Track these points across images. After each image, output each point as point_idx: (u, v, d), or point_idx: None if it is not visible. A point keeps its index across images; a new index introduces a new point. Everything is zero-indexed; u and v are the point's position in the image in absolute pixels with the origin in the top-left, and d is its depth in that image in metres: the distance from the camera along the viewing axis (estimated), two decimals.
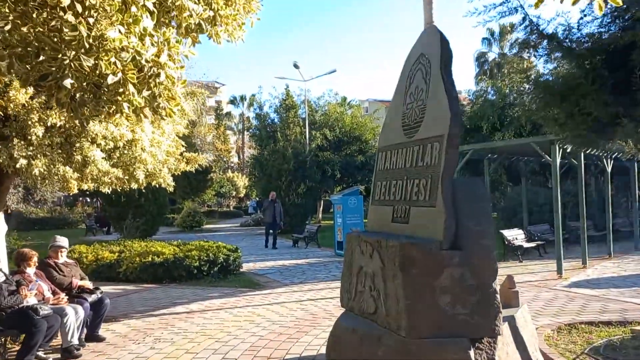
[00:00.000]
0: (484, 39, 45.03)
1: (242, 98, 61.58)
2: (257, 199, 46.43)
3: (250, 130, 36.53)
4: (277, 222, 17.83)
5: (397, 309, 4.23)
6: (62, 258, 7.04)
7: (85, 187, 7.37)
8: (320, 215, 31.85)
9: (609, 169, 13.28)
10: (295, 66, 27.47)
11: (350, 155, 29.86)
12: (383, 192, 5.29)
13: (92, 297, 6.77)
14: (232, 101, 62.43)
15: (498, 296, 4.20)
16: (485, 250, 4.22)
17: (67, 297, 6.48)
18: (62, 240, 7.08)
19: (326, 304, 8.35)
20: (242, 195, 52.94)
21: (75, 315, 6.22)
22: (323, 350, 5.78)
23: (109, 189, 7.48)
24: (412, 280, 4.14)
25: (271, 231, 18.09)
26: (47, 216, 37.14)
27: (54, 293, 6.46)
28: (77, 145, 6.35)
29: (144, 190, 12.69)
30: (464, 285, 4.15)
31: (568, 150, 10.91)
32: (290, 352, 5.77)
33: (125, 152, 6.83)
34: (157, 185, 8.10)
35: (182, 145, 8.44)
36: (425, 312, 4.11)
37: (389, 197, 5.15)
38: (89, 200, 46.33)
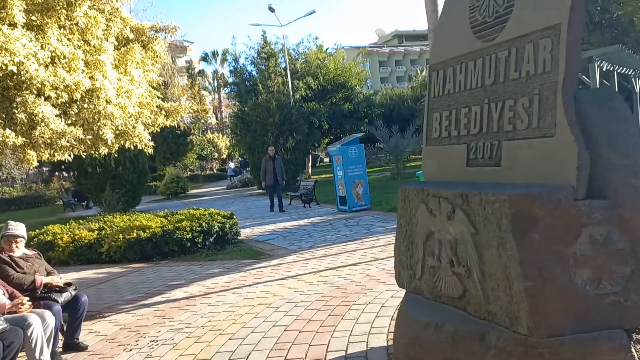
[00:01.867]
0: None
1: (214, 54, 58.75)
2: (241, 158, 44.77)
3: (228, 88, 34.53)
4: (279, 181, 15.56)
5: (508, 294, 2.82)
6: (20, 250, 5.48)
7: (46, 156, 5.81)
8: (309, 171, 30.39)
9: (638, 88, 11.94)
10: (271, 9, 25.36)
11: (337, 104, 28.23)
12: (446, 126, 3.80)
13: (63, 297, 5.27)
14: (204, 58, 59.51)
15: None
16: (638, 194, 2.80)
17: (30, 300, 4.97)
18: (17, 227, 5.50)
19: (351, 272, 6.98)
20: (224, 156, 51.10)
21: (42, 324, 4.73)
22: (373, 341, 4.42)
23: (69, 155, 5.87)
24: (534, 250, 2.71)
25: (275, 193, 16.04)
26: (21, 195, 35.14)
27: (11, 297, 4.95)
28: (19, 99, 4.71)
29: (118, 156, 11.02)
30: (611, 250, 2.74)
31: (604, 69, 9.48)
32: (331, 349, 4.39)
33: (85, 105, 5.19)
34: (133, 148, 6.53)
35: (158, 97, 6.82)
36: (557, 296, 2.71)
37: (458, 132, 3.66)
38: (65, 174, 44.19)
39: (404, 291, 3.95)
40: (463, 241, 3.15)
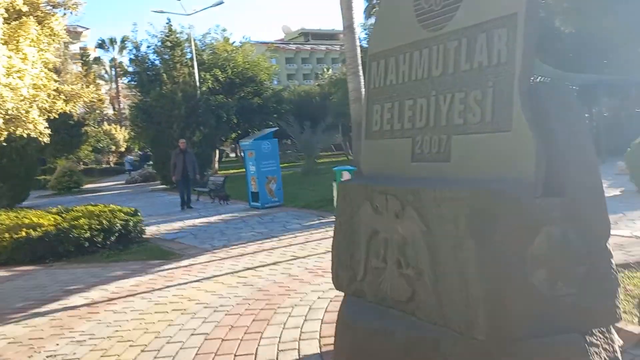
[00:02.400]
0: None
1: (112, 41, 55.37)
2: (141, 151, 42.57)
3: (127, 77, 32.61)
4: (189, 176, 14.53)
5: (464, 298, 2.65)
6: None
7: None
8: (216, 165, 29.49)
9: None
10: None
11: (246, 99, 27.62)
12: (388, 119, 3.59)
13: None
14: (101, 45, 55.83)
15: (614, 262, 2.77)
16: (595, 193, 2.74)
17: None
18: None
19: (271, 273, 6.65)
20: (123, 149, 48.33)
21: None
22: (305, 348, 4.13)
23: None
24: (493, 250, 2.56)
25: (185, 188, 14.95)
26: None
27: None
28: None
29: (5, 145, 9.81)
30: (567, 250, 2.65)
31: None
32: (260, 358, 4.05)
33: None
34: (25, 136, 5.71)
35: (54, 80, 6.01)
36: (515, 299, 2.57)
37: (402, 125, 3.46)
38: None
39: (331, 292, 3.73)
40: (413, 241, 2.95)
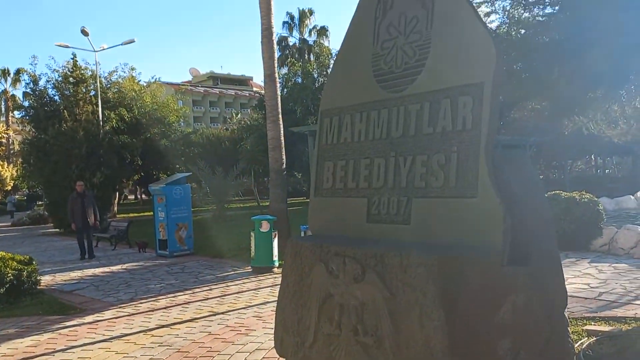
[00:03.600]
0: (284, 23, 44.69)
1: (5, 72, 51.74)
2: (28, 191, 39.38)
3: (20, 112, 30.43)
4: (88, 222, 12.96)
5: None
6: None
7: None
8: (115, 208, 27.86)
9: None
10: (84, 32, 23.19)
11: (152, 139, 26.62)
12: (342, 177, 3.50)
13: None
14: None
15: (569, 330, 2.81)
16: (554, 262, 2.80)
17: None
18: None
19: (189, 331, 6.19)
20: (8, 188, 44.39)
21: None
22: None
23: None
24: (462, 320, 2.50)
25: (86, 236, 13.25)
26: None
27: None
28: None
29: None
30: (531, 318, 2.66)
31: None
32: None
33: None
34: None
35: None
36: None
37: (356, 184, 3.39)
38: None
39: (258, 352, 3.49)
40: (374, 307, 2.82)
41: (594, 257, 9.71)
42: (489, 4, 4.83)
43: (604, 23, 3.76)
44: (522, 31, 4.52)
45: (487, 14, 5.24)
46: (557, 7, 4.52)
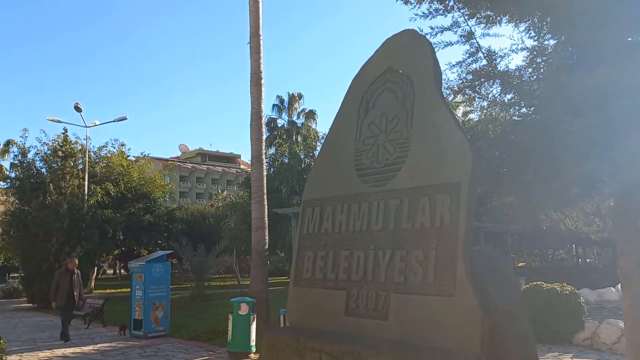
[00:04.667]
0: (274, 105, 46.01)
1: None
2: (5, 262, 38.37)
3: (5, 183, 30.28)
4: (74, 301, 12.05)
5: None
6: None
7: None
8: (93, 284, 27.10)
9: None
10: (77, 109, 23.64)
11: (136, 214, 26.48)
12: (321, 267, 3.51)
13: None
14: None
15: None
16: None
17: None
18: None
19: None
20: None
21: None
22: None
23: None
24: None
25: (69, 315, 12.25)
26: None
27: None
28: None
29: None
30: None
31: None
32: None
33: None
34: None
35: None
36: None
37: (336, 275, 3.39)
38: None
39: None
40: None
41: (577, 352, 9.55)
42: (467, 103, 5.07)
43: (577, 126, 3.97)
44: (499, 130, 4.73)
45: (465, 113, 5.49)
46: (532, 109, 4.77)
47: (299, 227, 3.82)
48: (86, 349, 11.01)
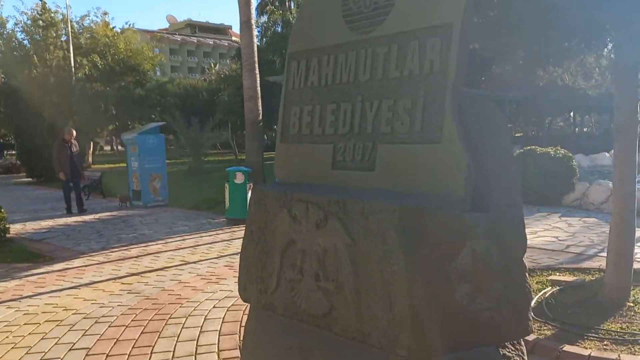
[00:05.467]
0: None
1: None
2: (1, 139, 38.48)
3: None
4: (78, 172, 12.06)
5: (389, 313, 2.54)
6: None
7: None
8: (90, 159, 27.40)
9: None
10: None
11: (126, 88, 26.03)
12: (308, 122, 3.40)
13: None
14: None
15: (528, 276, 2.82)
16: (515, 210, 2.78)
17: None
18: None
19: (159, 279, 6.18)
20: None
21: None
22: None
23: None
24: (422, 266, 2.48)
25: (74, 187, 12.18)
26: None
27: None
28: None
29: None
30: (489, 265, 2.65)
31: None
32: None
33: None
34: None
35: None
36: (439, 314, 2.52)
37: (322, 130, 3.30)
38: None
39: (227, 300, 3.53)
40: (335, 253, 2.79)
41: (565, 212, 9.89)
42: None
43: None
44: None
45: None
46: None
47: (285, 83, 3.66)
48: (87, 218, 11.35)
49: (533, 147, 11.25)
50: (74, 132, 12.35)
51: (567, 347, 3.73)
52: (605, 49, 4.41)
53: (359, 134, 3.06)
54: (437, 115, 2.68)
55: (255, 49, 12.49)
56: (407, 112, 2.82)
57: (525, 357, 2.80)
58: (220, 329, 4.44)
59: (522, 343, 2.87)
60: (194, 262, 6.90)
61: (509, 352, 2.76)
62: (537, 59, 4.42)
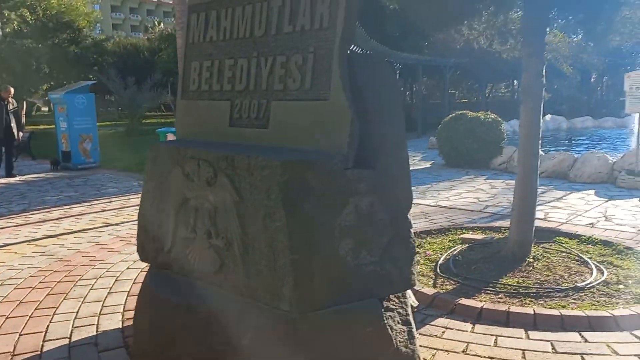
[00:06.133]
0: None
1: None
2: None
3: None
4: (12, 133, 11.04)
5: (272, 269, 2.57)
6: None
7: None
8: (24, 120, 26.06)
9: None
10: None
11: (60, 46, 24.70)
12: (207, 78, 3.34)
13: None
14: None
15: (412, 232, 2.90)
16: (402, 166, 2.83)
17: None
18: None
19: (76, 241, 6.02)
20: None
21: None
22: (105, 323, 3.77)
23: None
24: (304, 221, 2.51)
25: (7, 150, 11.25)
26: None
27: None
28: None
29: None
30: (373, 220, 2.71)
31: None
32: (49, 337, 3.58)
33: None
34: None
35: None
36: (322, 268, 2.57)
37: (221, 86, 3.24)
38: None
39: (141, 262, 3.47)
40: (225, 210, 2.78)
41: (491, 175, 10.23)
42: None
43: None
44: None
45: None
46: None
47: (185, 37, 3.56)
48: (12, 180, 10.86)
49: (465, 111, 11.50)
50: (12, 90, 11.29)
51: (463, 300, 3.89)
52: (514, 12, 4.49)
53: (255, 91, 3.03)
54: (326, 72, 2.67)
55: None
56: (298, 69, 2.80)
57: (409, 309, 2.90)
58: (130, 289, 4.39)
59: (407, 295, 2.97)
60: (116, 224, 6.75)
61: (393, 304, 2.85)
62: (450, 18, 4.45)
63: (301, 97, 2.78)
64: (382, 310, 2.77)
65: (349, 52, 2.72)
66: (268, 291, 2.60)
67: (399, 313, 2.86)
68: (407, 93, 27.94)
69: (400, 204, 2.82)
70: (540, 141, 4.73)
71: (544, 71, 4.54)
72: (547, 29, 4.83)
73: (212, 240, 2.87)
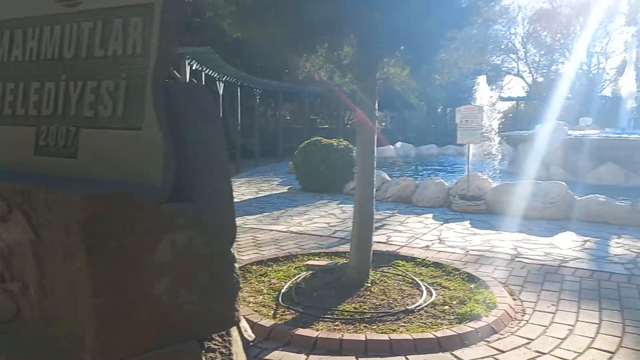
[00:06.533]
0: None
1: None
2: None
3: None
4: None
5: (73, 314, 2.33)
6: None
7: None
8: None
9: (221, 91, 13.13)
10: None
11: None
12: (11, 101, 3.00)
13: None
14: None
15: (237, 266, 2.81)
16: (224, 198, 2.74)
17: None
18: None
19: None
20: None
21: None
22: None
23: None
24: (108, 261, 2.30)
25: None
26: None
27: None
28: None
29: None
30: (192, 256, 2.58)
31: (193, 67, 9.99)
32: None
33: None
34: None
35: None
36: (131, 312, 2.37)
37: (25, 110, 2.93)
38: None
39: None
40: (20, 250, 2.48)
41: (343, 199, 10.59)
42: None
43: None
44: None
45: None
46: None
47: None
48: None
49: (319, 137, 11.86)
50: None
51: (299, 331, 3.89)
52: (347, 49, 4.70)
53: (63, 117, 2.77)
54: (139, 101, 2.52)
55: None
56: (110, 95, 2.61)
57: (232, 348, 2.79)
58: None
59: (232, 333, 2.87)
60: None
61: (215, 344, 2.73)
62: (286, 51, 4.53)
63: (113, 126, 2.59)
64: (203, 351, 2.64)
65: (166, 80, 2.60)
66: (69, 339, 2.34)
67: (221, 353, 2.74)
68: (270, 115, 28.27)
69: (223, 237, 2.72)
70: (375, 171, 4.96)
71: (377, 106, 4.79)
72: (381, 65, 5.11)
73: (6, 284, 2.54)
